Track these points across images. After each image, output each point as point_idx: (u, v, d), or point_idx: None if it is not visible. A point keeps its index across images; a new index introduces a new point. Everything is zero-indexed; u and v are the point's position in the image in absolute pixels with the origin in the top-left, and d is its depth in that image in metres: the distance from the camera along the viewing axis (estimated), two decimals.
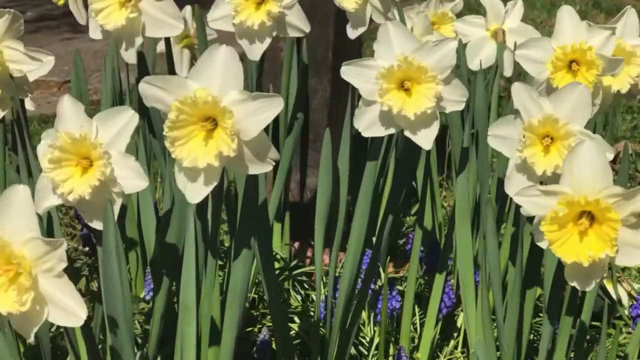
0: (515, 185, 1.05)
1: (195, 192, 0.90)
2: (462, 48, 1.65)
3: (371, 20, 1.37)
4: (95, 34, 1.16)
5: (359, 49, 1.84)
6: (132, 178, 0.91)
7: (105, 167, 0.89)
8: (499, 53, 1.46)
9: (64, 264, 0.81)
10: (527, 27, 1.59)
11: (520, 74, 1.95)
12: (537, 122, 1.01)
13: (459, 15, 1.72)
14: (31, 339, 0.83)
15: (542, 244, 0.93)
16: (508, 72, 1.54)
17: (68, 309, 0.82)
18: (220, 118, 0.87)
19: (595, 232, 0.90)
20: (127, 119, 0.91)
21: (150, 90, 0.89)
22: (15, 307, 0.80)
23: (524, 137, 1.02)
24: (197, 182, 0.90)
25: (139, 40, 1.14)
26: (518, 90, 1.03)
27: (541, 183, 1.04)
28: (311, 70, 1.60)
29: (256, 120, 0.87)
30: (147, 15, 1.12)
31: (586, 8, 4.74)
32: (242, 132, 0.87)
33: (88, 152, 0.90)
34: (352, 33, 1.37)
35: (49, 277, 0.81)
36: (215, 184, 0.90)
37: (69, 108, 0.92)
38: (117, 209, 0.92)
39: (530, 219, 0.99)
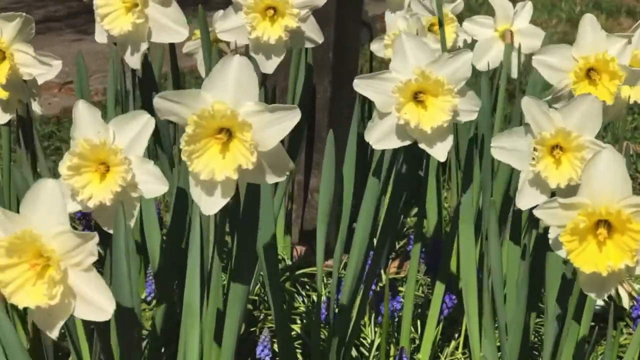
0: (528, 199, 1.05)
1: (211, 204, 0.89)
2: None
3: (373, 22, 1.37)
4: (100, 37, 1.16)
5: (359, 50, 1.84)
6: (152, 183, 0.91)
7: (126, 173, 0.89)
8: (506, 54, 1.46)
9: (94, 258, 0.81)
10: (536, 29, 1.59)
11: (527, 75, 1.95)
12: (549, 135, 1.01)
13: (459, 16, 1.72)
14: (55, 334, 0.82)
15: (561, 252, 0.92)
16: (514, 73, 1.54)
17: (96, 304, 0.82)
18: (238, 130, 0.86)
19: (614, 242, 0.89)
20: (143, 124, 0.91)
21: (165, 104, 0.87)
22: (45, 301, 0.79)
23: (535, 151, 1.01)
24: (213, 194, 0.89)
25: (144, 46, 1.13)
26: (528, 104, 1.02)
27: (552, 194, 1.04)
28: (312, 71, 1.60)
29: (273, 132, 0.86)
30: (154, 21, 1.12)
31: (587, 9, 4.75)
32: (259, 143, 0.86)
33: (106, 158, 0.90)
34: (391, 17, 1.36)
35: (77, 271, 0.81)
36: (231, 195, 0.89)
37: (85, 114, 0.92)
38: (136, 213, 0.92)
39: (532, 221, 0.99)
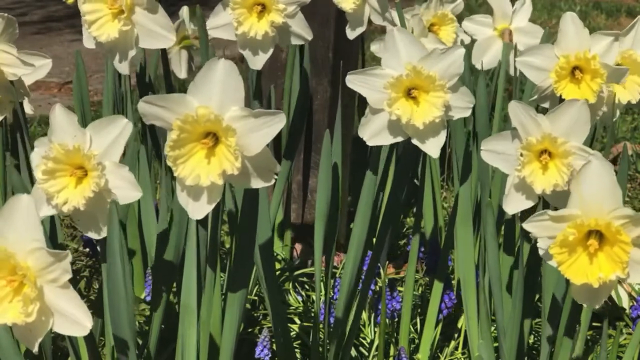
0: (514, 203, 1.04)
1: (198, 209, 0.89)
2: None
3: (372, 21, 1.38)
4: (88, 42, 1.15)
5: (360, 50, 1.84)
6: (126, 188, 0.90)
7: (99, 179, 0.88)
8: (504, 53, 1.46)
9: (69, 275, 0.81)
10: (534, 27, 1.59)
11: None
12: (535, 140, 1.00)
13: (459, 16, 1.72)
14: (35, 349, 0.82)
15: (552, 263, 0.91)
16: (512, 72, 1.54)
17: (73, 319, 0.81)
18: (223, 135, 0.86)
19: (605, 253, 0.88)
20: (120, 128, 0.90)
21: (150, 109, 0.87)
22: (21, 318, 0.79)
23: (521, 156, 1.01)
24: (199, 199, 0.89)
25: (132, 53, 1.12)
26: (515, 108, 1.01)
27: (539, 198, 1.04)
28: (312, 71, 1.60)
29: (258, 137, 0.86)
30: (141, 27, 1.11)
31: (587, 9, 4.75)
32: (244, 148, 0.86)
33: (82, 163, 0.90)
34: (351, 33, 1.37)
35: (53, 288, 0.81)
36: (218, 200, 0.89)
37: (61, 118, 0.91)
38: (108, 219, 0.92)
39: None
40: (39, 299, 0.80)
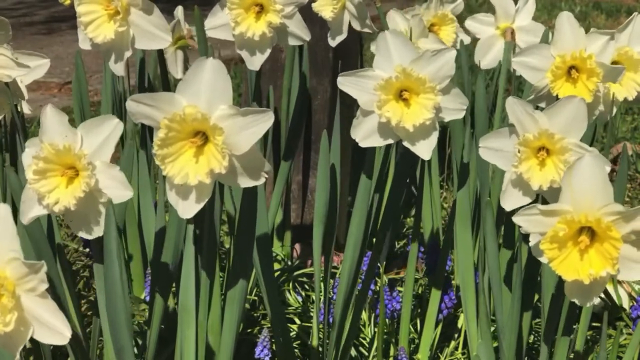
0: (511, 200, 1.04)
1: (187, 208, 0.90)
2: (462, 49, 1.66)
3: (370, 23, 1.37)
4: (84, 44, 1.16)
5: (360, 50, 1.84)
6: (116, 188, 0.91)
7: (89, 178, 0.89)
8: (505, 52, 1.46)
9: (46, 285, 0.81)
10: (537, 25, 1.58)
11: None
12: (532, 137, 1.00)
13: (459, 16, 1.71)
14: (17, 357, 0.82)
15: (542, 259, 0.91)
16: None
17: (53, 328, 0.82)
18: (211, 134, 0.86)
19: (596, 249, 0.88)
20: (111, 128, 0.90)
21: (139, 107, 0.87)
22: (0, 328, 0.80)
23: (519, 152, 1.01)
24: (188, 198, 0.89)
25: (127, 53, 1.12)
26: (512, 104, 1.01)
27: (537, 195, 1.04)
28: (312, 71, 1.60)
29: (246, 136, 0.86)
30: (137, 28, 1.11)
31: (586, 9, 4.75)
32: (233, 147, 0.86)
33: (73, 163, 0.90)
34: (332, 42, 1.37)
35: (32, 297, 0.81)
36: (207, 199, 0.89)
37: (52, 118, 0.91)
38: (102, 220, 0.92)
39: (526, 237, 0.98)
40: (17, 308, 0.80)
